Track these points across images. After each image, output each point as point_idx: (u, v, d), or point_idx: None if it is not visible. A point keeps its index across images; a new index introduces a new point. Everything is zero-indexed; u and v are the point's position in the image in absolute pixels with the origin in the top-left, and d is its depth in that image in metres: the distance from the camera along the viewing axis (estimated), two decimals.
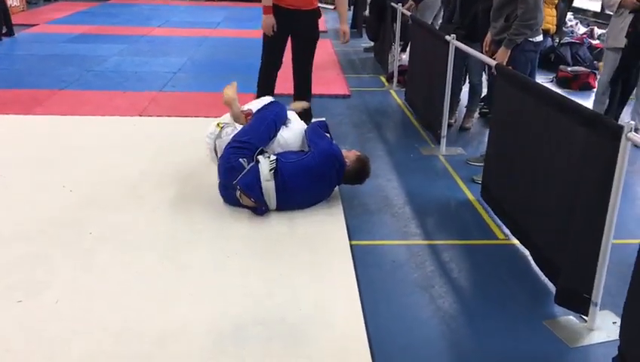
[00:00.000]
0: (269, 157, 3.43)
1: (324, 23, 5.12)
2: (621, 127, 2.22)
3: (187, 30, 10.17)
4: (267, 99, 4.20)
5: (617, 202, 2.29)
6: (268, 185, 3.33)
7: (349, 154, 3.60)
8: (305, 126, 3.88)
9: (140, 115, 5.30)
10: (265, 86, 4.80)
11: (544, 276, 2.90)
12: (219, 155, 3.60)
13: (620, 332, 2.27)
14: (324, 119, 3.96)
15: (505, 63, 3.88)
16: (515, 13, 3.89)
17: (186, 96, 6.00)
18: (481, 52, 4.47)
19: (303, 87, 4.90)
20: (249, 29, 10.11)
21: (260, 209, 3.37)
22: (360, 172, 3.59)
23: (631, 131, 2.19)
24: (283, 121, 3.74)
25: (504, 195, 3.38)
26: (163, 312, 2.53)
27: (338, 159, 3.49)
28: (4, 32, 8.61)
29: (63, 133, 4.73)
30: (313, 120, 4.23)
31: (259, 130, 3.57)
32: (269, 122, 3.65)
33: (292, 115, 3.90)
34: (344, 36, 4.95)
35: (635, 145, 2.21)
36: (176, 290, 2.69)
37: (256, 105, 4.13)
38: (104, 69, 7.05)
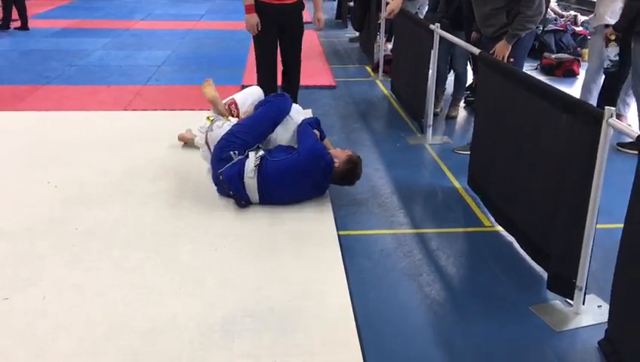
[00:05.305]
0: (257, 152, 3.43)
1: (307, 14, 5.10)
2: (602, 113, 2.24)
3: (170, 23, 10.10)
4: (253, 90, 4.19)
5: (599, 187, 2.31)
6: (250, 181, 3.33)
7: (340, 155, 3.50)
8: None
9: (125, 109, 5.27)
10: (266, 84, 4.59)
11: (530, 262, 2.93)
12: (211, 148, 3.59)
13: (609, 316, 2.31)
14: (316, 117, 3.93)
15: (506, 57, 3.85)
16: (514, 10, 3.79)
17: (171, 89, 5.97)
18: (466, 41, 4.48)
19: (292, 80, 4.86)
20: (232, 20, 10.06)
21: (239, 202, 3.38)
22: (349, 174, 3.49)
23: (612, 117, 2.21)
24: (283, 117, 3.69)
25: (490, 183, 3.41)
26: (151, 306, 2.52)
27: (324, 158, 3.42)
28: (18, 25, 8.73)
29: (46, 129, 4.68)
30: (302, 109, 4.16)
31: (257, 129, 3.56)
32: (268, 120, 3.62)
33: (295, 111, 3.82)
34: (319, 23, 4.92)
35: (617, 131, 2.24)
36: (165, 284, 2.69)
37: (240, 96, 4.12)
38: (87, 64, 6.98)
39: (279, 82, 4.88)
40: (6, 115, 5.03)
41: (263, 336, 2.34)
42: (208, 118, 3.80)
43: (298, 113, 3.86)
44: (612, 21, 4.62)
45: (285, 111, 3.71)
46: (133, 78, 6.33)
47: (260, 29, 4.52)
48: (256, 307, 2.53)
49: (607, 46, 4.52)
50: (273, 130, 3.65)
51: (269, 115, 3.65)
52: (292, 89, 4.84)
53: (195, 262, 2.87)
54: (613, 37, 4.42)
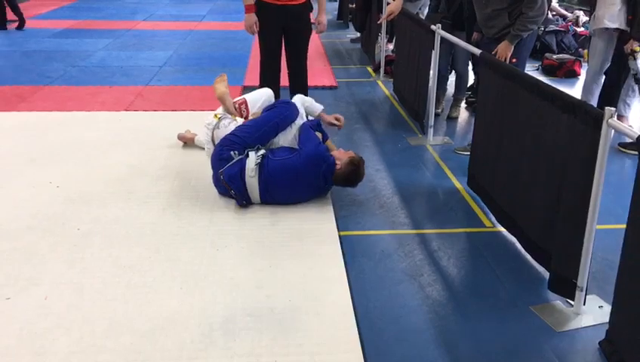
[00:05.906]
0: (258, 151, 3.43)
1: (311, 15, 5.07)
2: (602, 114, 2.24)
3: (172, 23, 10.12)
4: (265, 91, 4.17)
5: (600, 187, 2.31)
6: (251, 181, 3.34)
7: (342, 156, 3.49)
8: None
9: (126, 110, 5.27)
10: (268, 84, 4.52)
11: (531, 262, 2.93)
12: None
13: (611, 316, 2.31)
14: (317, 119, 3.93)
15: (509, 57, 3.84)
16: (516, 11, 3.79)
17: (173, 89, 5.97)
18: (467, 41, 4.48)
19: (298, 82, 4.84)
20: (234, 21, 10.08)
21: (240, 201, 3.39)
22: (351, 176, 3.47)
23: (612, 117, 2.21)
24: (288, 124, 3.67)
25: (491, 183, 3.41)
26: (152, 305, 2.53)
27: (325, 161, 3.41)
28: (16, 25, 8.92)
29: (48, 130, 4.69)
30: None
31: (260, 131, 3.56)
32: (271, 125, 3.61)
33: (302, 114, 3.81)
34: (320, 26, 4.87)
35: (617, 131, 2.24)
36: (165, 283, 2.69)
37: (252, 96, 4.10)
38: (89, 64, 7.00)
39: (282, 83, 4.87)
40: (8, 115, 5.04)
41: (263, 336, 2.35)
42: (216, 115, 3.80)
43: (301, 116, 3.85)
44: (611, 24, 4.63)
45: (290, 120, 3.69)
46: (135, 79, 6.34)
47: (258, 28, 4.51)
48: (257, 306, 2.53)
49: (635, 59, 4.46)
50: (275, 136, 3.65)
51: (273, 120, 3.64)
52: (299, 91, 4.80)
53: (195, 261, 2.87)
54: (638, 49, 4.39)
